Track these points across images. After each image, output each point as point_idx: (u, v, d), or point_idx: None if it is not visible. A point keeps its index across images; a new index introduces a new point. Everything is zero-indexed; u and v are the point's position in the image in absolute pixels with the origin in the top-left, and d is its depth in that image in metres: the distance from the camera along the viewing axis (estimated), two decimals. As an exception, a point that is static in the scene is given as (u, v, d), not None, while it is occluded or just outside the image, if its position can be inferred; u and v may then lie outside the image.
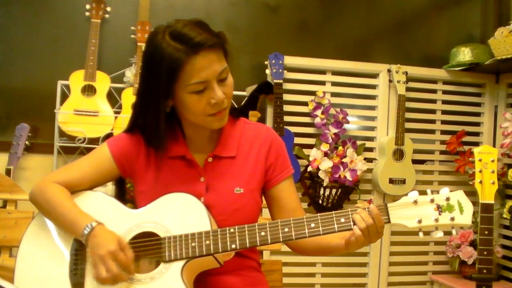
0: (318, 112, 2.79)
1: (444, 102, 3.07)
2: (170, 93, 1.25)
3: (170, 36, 1.21)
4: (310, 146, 2.80)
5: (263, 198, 1.44)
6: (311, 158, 2.73)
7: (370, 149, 2.96)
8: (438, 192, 1.22)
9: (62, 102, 2.68)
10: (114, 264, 1.17)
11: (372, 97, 2.98)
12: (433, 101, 3.06)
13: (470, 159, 2.84)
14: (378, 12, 3.25)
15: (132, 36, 2.83)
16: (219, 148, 1.37)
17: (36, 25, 2.82)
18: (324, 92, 2.83)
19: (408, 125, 2.94)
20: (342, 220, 1.22)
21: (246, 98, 2.76)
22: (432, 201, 1.21)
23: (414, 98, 2.98)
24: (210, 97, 1.24)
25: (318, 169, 2.71)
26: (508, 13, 3.26)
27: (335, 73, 2.92)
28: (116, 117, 2.68)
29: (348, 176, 2.71)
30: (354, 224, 1.21)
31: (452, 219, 1.19)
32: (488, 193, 1.92)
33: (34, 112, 2.80)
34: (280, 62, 2.75)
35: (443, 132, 3.06)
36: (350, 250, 1.27)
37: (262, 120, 2.76)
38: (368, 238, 1.21)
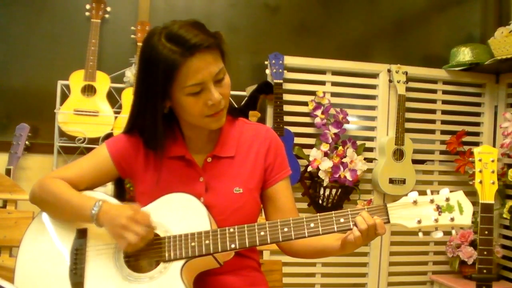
0: (318, 112, 2.79)
1: (444, 102, 3.07)
2: (167, 95, 1.25)
3: (166, 37, 1.21)
4: (310, 146, 2.80)
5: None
6: (311, 158, 2.73)
7: (370, 149, 2.96)
8: (438, 192, 1.22)
9: (62, 102, 2.68)
10: (138, 226, 1.18)
11: (372, 97, 2.98)
12: (433, 101, 3.06)
13: (470, 159, 2.84)
14: (378, 12, 3.25)
15: (132, 36, 2.83)
16: (218, 148, 1.37)
17: (36, 25, 2.82)
18: (324, 92, 2.83)
19: (408, 125, 2.94)
20: (342, 220, 1.22)
21: (246, 98, 2.76)
22: (432, 201, 1.21)
23: (414, 98, 2.98)
24: (207, 99, 1.24)
25: (318, 169, 2.71)
26: (508, 13, 3.26)
27: (335, 73, 2.92)
28: (116, 117, 2.68)
29: (348, 176, 2.71)
30: (355, 224, 1.20)
31: (452, 219, 1.19)
32: (488, 193, 1.92)
33: (34, 112, 2.80)
34: (280, 62, 2.75)
35: (443, 132, 3.06)
36: (346, 251, 1.26)
37: (262, 120, 2.76)
38: (366, 239, 1.21)
